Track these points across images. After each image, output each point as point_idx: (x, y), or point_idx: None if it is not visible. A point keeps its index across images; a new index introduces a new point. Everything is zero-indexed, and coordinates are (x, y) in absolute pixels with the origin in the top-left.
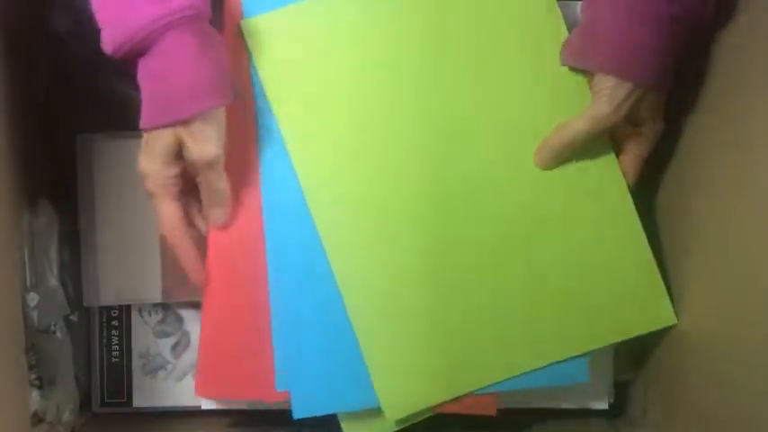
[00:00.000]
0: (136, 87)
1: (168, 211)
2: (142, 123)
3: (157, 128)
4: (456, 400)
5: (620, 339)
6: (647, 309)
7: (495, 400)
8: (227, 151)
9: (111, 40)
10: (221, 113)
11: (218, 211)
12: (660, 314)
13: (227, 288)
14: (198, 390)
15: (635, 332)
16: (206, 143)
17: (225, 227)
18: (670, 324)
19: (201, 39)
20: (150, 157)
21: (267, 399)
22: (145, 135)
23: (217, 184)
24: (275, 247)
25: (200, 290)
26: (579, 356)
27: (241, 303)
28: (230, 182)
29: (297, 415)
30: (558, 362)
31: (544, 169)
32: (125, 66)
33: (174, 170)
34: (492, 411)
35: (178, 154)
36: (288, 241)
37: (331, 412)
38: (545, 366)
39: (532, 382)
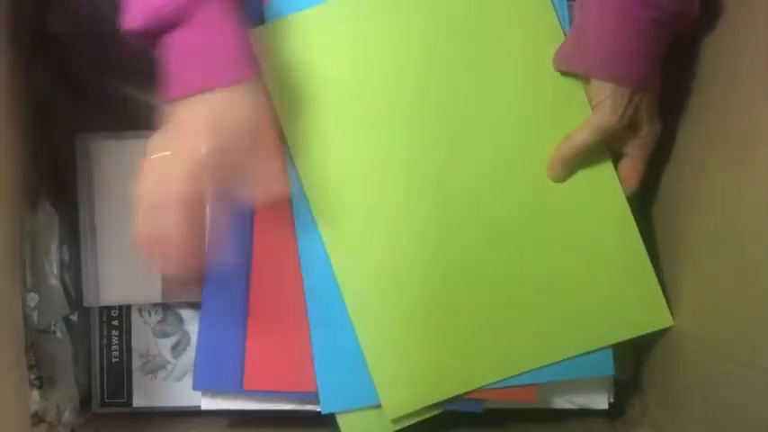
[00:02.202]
0: (136, 87)
1: (199, 211)
2: (177, 90)
3: (202, 92)
4: (496, 389)
5: (617, 341)
6: (643, 311)
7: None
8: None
9: (138, 13)
10: (259, 83)
11: (273, 186)
12: (657, 316)
13: (272, 286)
14: (247, 382)
15: (632, 334)
16: (253, 104)
17: (266, 221)
18: (666, 326)
19: (234, 9)
20: (188, 136)
21: (313, 389)
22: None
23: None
24: (306, 247)
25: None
26: (603, 350)
27: (286, 300)
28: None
29: (325, 410)
30: (561, 360)
31: (557, 181)
32: (140, 43)
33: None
34: (532, 398)
35: (219, 124)
36: (318, 241)
37: (357, 407)
38: (564, 360)
39: (556, 374)
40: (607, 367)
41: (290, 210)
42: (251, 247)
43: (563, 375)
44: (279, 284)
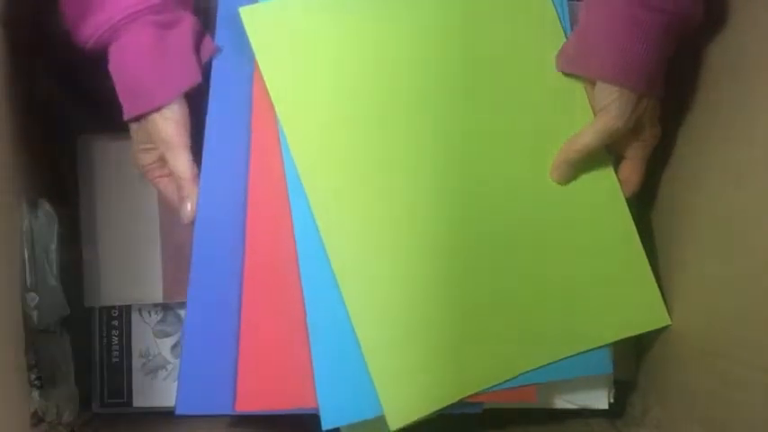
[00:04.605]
0: None
1: (167, 191)
2: (124, 115)
3: (129, 121)
4: (496, 391)
5: (614, 340)
6: (641, 310)
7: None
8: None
9: (76, 39)
10: (179, 104)
11: (184, 204)
12: (654, 316)
13: (266, 300)
14: (239, 404)
15: (629, 333)
16: (163, 127)
17: (260, 229)
18: (663, 325)
19: (153, 32)
20: (133, 144)
21: (311, 405)
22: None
23: (177, 172)
24: (306, 256)
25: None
26: (602, 348)
27: (280, 313)
28: (266, 193)
29: (326, 425)
30: (564, 358)
31: (560, 183)
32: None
33: (151, 152)
34: (532, 399)
35: (147, 138)
36: (319, 251)
37: (359, 419)
38: (562, 360)
39: (555, 375)
40: (606, 366)
41: (287, 214)
42: (242, 251)
43: (562, 375)
44: (273, 295)
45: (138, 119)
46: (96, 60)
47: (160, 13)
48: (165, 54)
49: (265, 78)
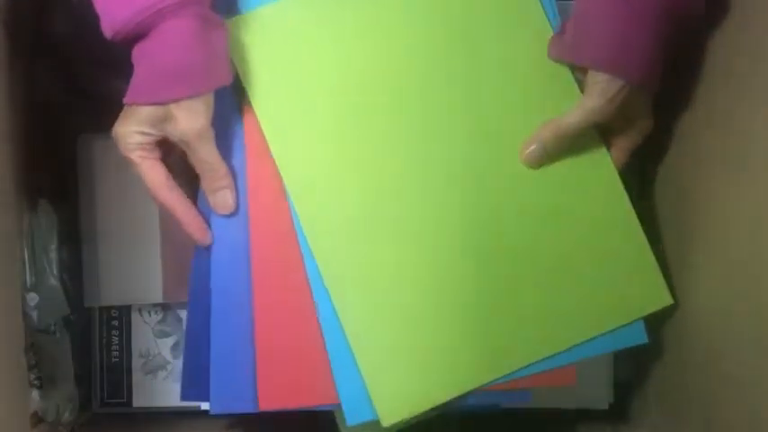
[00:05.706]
0: None
1: (152, 173)
2: (129, 97)
3: (147, 104)
4: (530, 376)
5: (620, 324)
6: (643, 292)
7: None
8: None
9: (110, 24)
10: (211, 95)
11: (223, 194)
12: (656, 296)
13: (278, 297)
14: (262, 403)
15: (633, 316)
16: (195, 116)
17: (264, 226)
18: (667, 304)
19: (199, 23)
20: (125, 122)
21: (331, 402)
22: (126, 107)
23: (211, 161)
24: (311, 257)
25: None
26: (636, 320)
27: (294, 310)
28: (270, 190)
29: (350, 421)
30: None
31: (531, 168)
32: (124, 48)
33: (149, 137)
34: (572, 381)
35: (155, 124)
36: None
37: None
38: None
39: (590, 351)
40: (641, 336)
41: (289, 214)
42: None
43: (597, 351)
44: (284, 295)
45: (166, 103)
46: (97, 60)
47: (205, 7)
48: (212, 45)
49: (247, 87)
